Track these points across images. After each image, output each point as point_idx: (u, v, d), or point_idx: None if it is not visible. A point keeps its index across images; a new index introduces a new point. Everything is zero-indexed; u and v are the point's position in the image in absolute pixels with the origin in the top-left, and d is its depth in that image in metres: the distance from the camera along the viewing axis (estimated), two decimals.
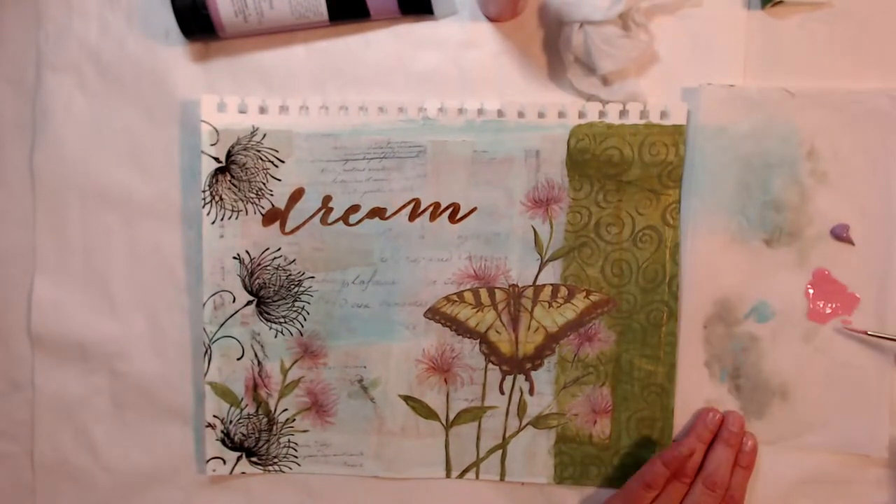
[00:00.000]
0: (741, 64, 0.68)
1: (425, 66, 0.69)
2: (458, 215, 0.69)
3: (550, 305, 0.69)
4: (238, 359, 0.70)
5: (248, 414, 0.70)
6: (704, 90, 0.67)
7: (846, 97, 0.66)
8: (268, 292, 0.69)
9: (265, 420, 0.70)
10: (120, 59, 0.70)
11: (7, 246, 0.71)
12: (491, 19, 0.69)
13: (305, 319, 0.70)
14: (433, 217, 0.69)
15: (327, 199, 0.69)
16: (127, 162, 0.70)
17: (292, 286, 0.69)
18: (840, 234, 0.67)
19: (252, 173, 0.68)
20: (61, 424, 0.72)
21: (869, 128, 0.67)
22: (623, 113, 0.67)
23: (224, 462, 0.70)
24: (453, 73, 0.69)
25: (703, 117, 0.67)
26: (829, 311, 0.68)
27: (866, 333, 0.67)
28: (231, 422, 0.70)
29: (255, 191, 0.68)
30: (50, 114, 0.70)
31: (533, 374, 0.70)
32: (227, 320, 0.69)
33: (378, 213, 0.69)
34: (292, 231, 0.69)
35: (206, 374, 0.69)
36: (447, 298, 0.69)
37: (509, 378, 0.70)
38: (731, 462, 0.66)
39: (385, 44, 0.69)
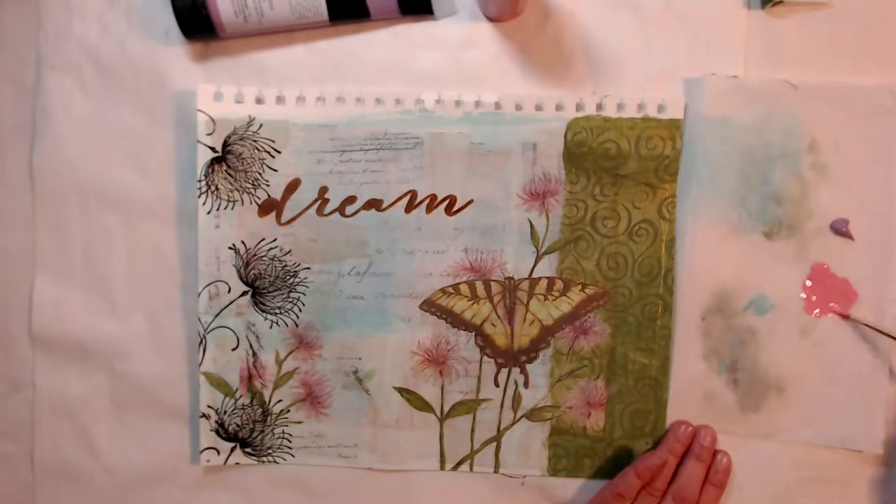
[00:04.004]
0: (741, 64, 0.64)
1: (425, 66, 0.65)
2: (455, 207, 0.64)
3: (546, 298, 0.65)
4: (233, 349, 0.65)
5: (243, 405, 0.66)
6: (708, 80, 0.63)
7: (848, 91, 0.63)
8: (263, 283, 0.65)
9: (259, 411, 0.66)
10: (120, 59, 0.65)
11: (7, 246, 0.67)
12: (491, 19, 0.64)
13: (301, 310, 0.65)
14: (429, 209, 0.64)
15: (323, 190, 0.64)
16: (127, 162, 0.66)
17: (288, 277, 0.65)
18: (840, 229, 0.63)
19: (248, 163, 0.64)
20: (61, 424, 0.67)
21: (870, 122, 0.63)
22: (620, 106, 0.63)
23: (218, 453, 0.66)
24: (453, 73, 0.65)
25: (706, 108, 0.63)
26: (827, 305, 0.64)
27: (866, 325, 0.63)
28: (225, 412, 0.66)
29: (251, 181, 0.64)
30: (50, 114, 0.65)
31: (528, 366, 0.65)
32: (222, 311, 0.65)
33: (374, 204, 0.64)
34: (288, 222, 0.64)
35: (200, 365, 0.65)
36: (443, 291, 0.65)
37: (504, 371, 0.65)
38: (702, 478, 0.63)
39: (385, 44, 0.65)
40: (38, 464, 0.67)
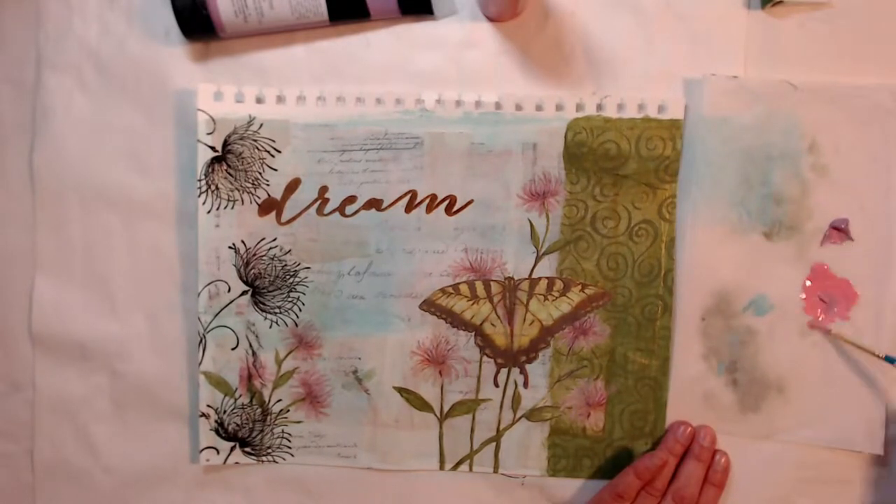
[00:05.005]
0: (741, 64, 0.63)
1: (425, 66, 0.64)
2: (455, 207, 0.64)
3: (546, 298, 0.64)
4: (232, 349, 0.65)
5: (242, 404, 0.65)
6: (708, 81, 0.62)
7: (848, 92, 0.62)
8: (263, 282, 0.64)
9: (259, 410, 0.65)
10: (120, 59, 0.65)
11: (7, 246, 0.66)
12: (491, 19, 0.64)
13: (300, 310, 0.64)
14: (429, 209, 0.64)
15: (323, 189, 0.64)
16: (127, 161, 0.65)
17: (288, 277, 0.64)
18: (840, 229, 0.63)
19: (248, 163, 0.63)
20: (61, 424, 0.67)
21: (870, 123, 0.62)
22: (621, 107, 0.63)
23: (217, 452, 0.65)
24: (453, 73, 0.64)
25: (706, 108, 0.62)
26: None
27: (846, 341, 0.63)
28: (225, 412, 0.65)
29: (251, 180, 0.63)
30: (50, 114, 0.65)
31: (527, 366, 0.65)
32: (221, 310, 0.64)
33: (374, 204, 0.64)
34: (288, 221, 0.64)
35: (200, 364, 0.65)
36: (443, 290, 0.64)
37: (504, 371, 0.65)
38: (701, 477, 0.63)
39: (385, 44, 0.64)
40: (38, 464, 0.67)
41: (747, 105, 0.62)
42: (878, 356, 0.61)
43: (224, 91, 0.62)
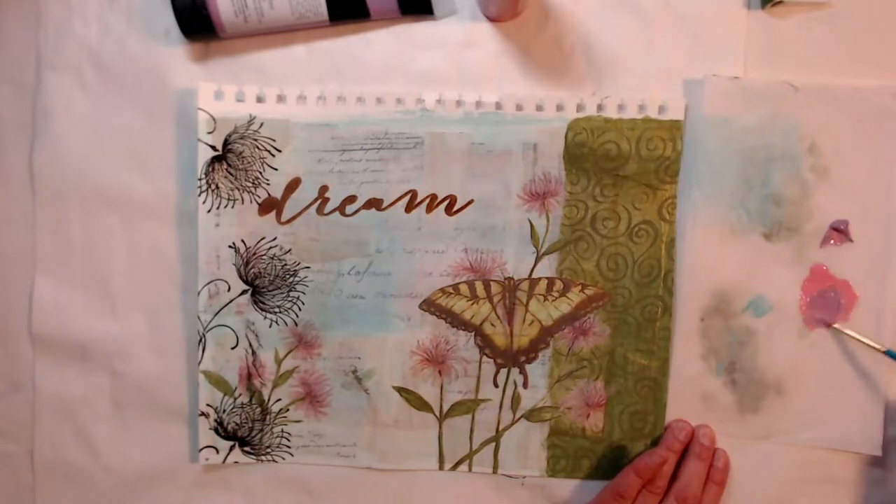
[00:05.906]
0: (741, 65, 0.63)
1: (425, 66, 0.64)
2: (455, 207, 0.64)
3: (546, 299, 0.64)
4: (232, 348, 0.65)
5: (242, 403, 0.65)
6: (709, 81, 0.62)
7: (849, 93, 0.62)
8: (263, 282, 0.64)
9: (258, 410, 0.65)
10: (120, 59, 0.65)
11: (7, 246, 0.66)
12: (491, 19, 0.64)
13: (300, 310, 0.64)
14: (430, 209, 0.64)
15: (324, 189, 0.63)
16: (127, 162, 0.65)
17: (287, 276, 0.64)
18: (839, 230, 0.63)
19: (249, 162, 0.63)
20: (61, 424, 0.67)
21: (870, 125, 0.62)
22: (621, 107, 0.62)
23: (217, 451, 0.65)
24: (453, 73, 0.64)
25: (707, 109, 0.62)
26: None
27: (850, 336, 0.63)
28: (224, 411, 0.65)
29: (251, 180, 0.63)
30: (50, 114, 0.65)
31: (527, 367, 0.65)
32: (221, 309, 0.64)
33: (374, 204, 0.63)
34: (288, 221, 0.64)
35: (200, 363, 0.64)
36: (443, 290, 0.64)
37: (503, 371, 0.65)
38: (703, 476, 0.62)
39: (385, 44, 0.64)
40: (38, 464, 0.66)
41: (748, 106, 0.62)
42: (879, 349, 0.61)
43: (225, 90, 0.62)
